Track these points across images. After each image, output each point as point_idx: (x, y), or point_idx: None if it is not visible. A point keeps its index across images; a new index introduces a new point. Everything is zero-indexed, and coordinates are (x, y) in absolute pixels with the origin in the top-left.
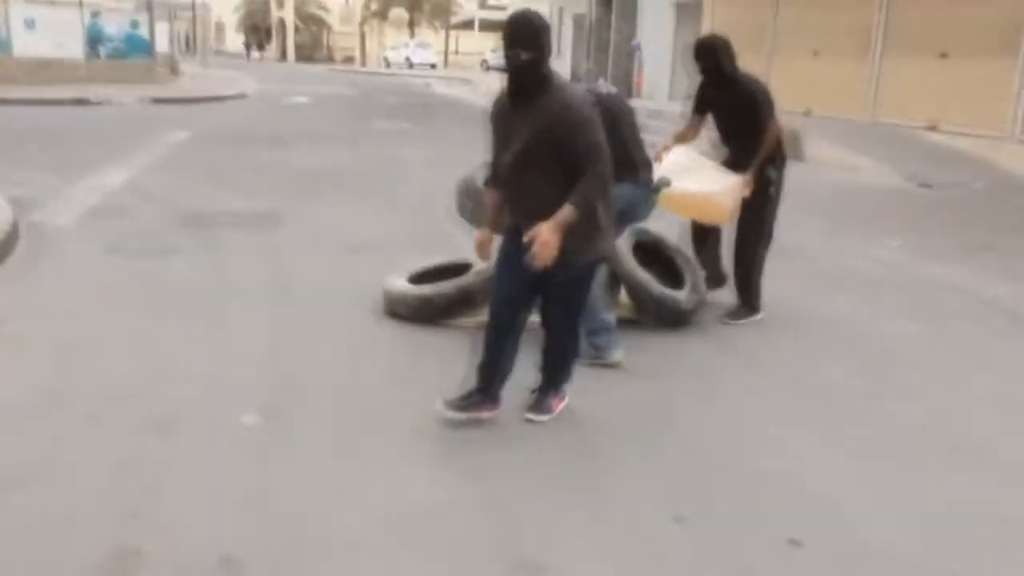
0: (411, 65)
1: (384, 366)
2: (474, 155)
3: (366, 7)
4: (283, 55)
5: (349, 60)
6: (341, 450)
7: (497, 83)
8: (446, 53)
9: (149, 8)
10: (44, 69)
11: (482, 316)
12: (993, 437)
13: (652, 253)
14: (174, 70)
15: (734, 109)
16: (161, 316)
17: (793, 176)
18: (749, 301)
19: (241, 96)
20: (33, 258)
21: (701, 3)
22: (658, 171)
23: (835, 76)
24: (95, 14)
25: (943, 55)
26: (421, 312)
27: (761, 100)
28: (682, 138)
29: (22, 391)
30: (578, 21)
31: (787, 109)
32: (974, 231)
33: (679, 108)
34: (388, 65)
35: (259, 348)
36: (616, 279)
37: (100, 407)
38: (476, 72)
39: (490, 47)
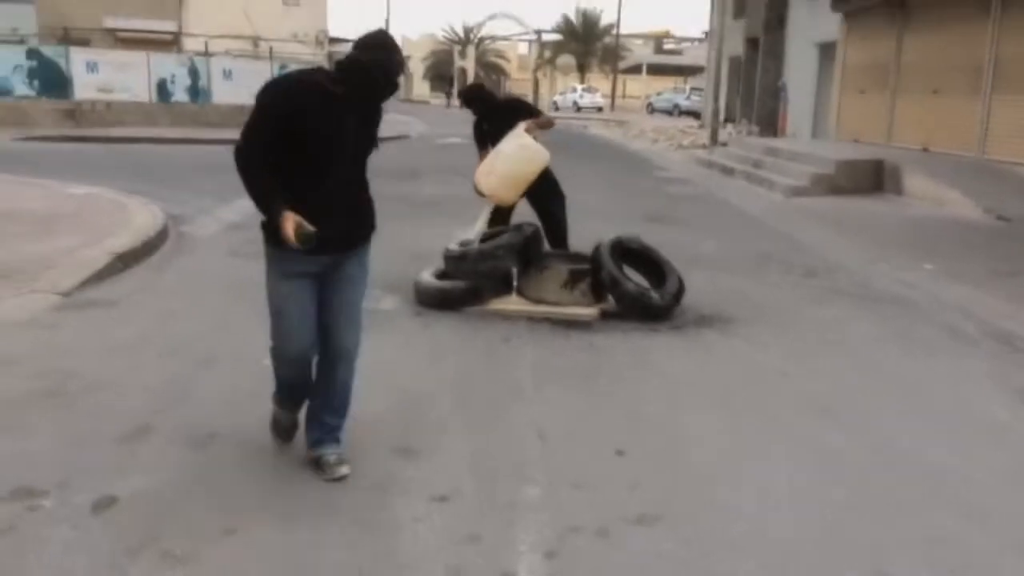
0: (578, 108)
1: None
2: (571, 188)
3: (540, 55)
4: (449, 101)
5: None
6: None
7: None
8: (613, 96)
9: (329, 61)
10: (239, 114)
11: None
12: (876, 415)
13: (642, 258)
14: None
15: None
16: (239, 300)
17: (881, 208)
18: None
19: (403, 137)
20: (171, 256)
21: (835, 44)
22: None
23: (950, 113)
24: (283, 66)
25: None
26: (439, 300)
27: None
28: None
29: (130, 337)
30: (734, 63)
31: (907, 145)
32: (1017, 260)
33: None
34: (557, 109)
35: None
36: (599, 277)
37: (178, 351)
38: (640, 115)
39: (655, 91)
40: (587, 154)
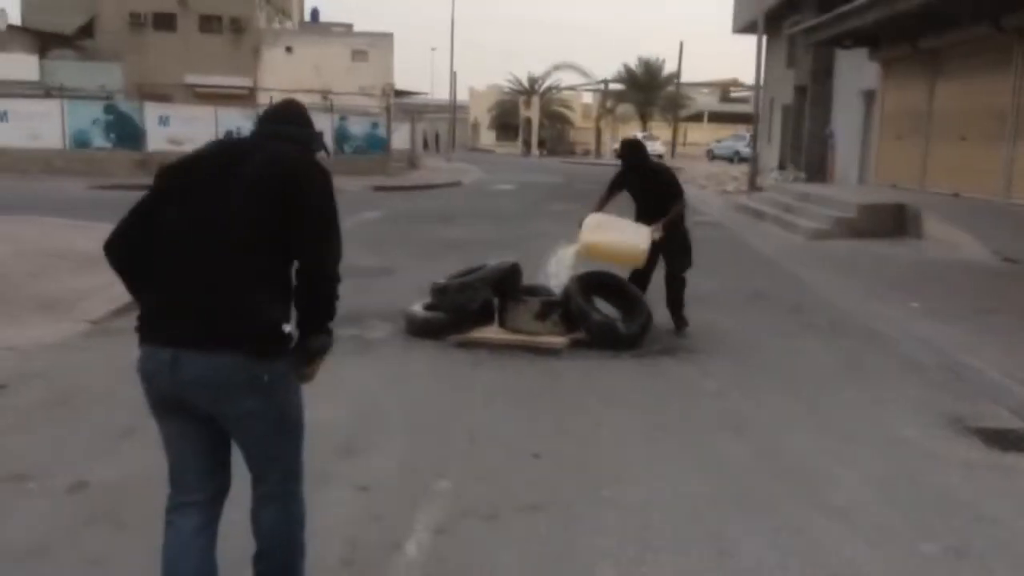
0: None
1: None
2: None
3: (602, 105)
4: (527, 150)
5: (587, 153)
6: None
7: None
8: (673, 144)
9: (388, 112)
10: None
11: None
12: (787, 433)
13: (616, 292)
14: (412, 164)
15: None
16: None
17: (895, 251)
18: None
19: (455, 184)
20: None
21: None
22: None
23: (977, 159)
24: (343, 118)
25: None
26: (423, 329)
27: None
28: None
29: None
30: (785, 111)
31: (939, 190)
32: (1005, 298)
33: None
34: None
35: None
36: (568, 310)
37: None
38: (699, 161)
39: (715, 139)
40: (629, 199)
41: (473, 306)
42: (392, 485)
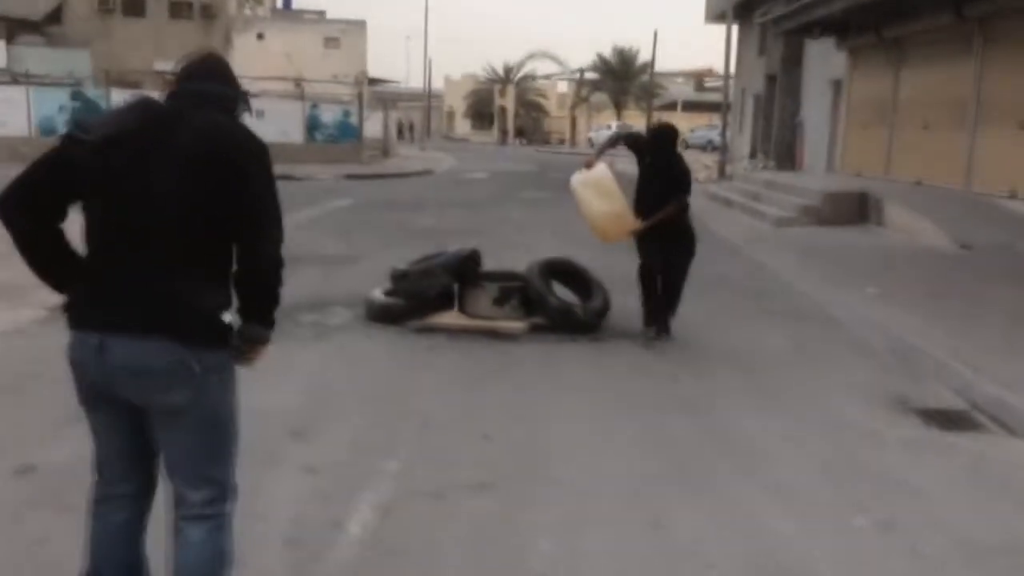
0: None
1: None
2: (571, 223)
3: (577, 94)
4: (504, 139)
5: (561, 142)
6: None
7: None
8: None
9: (360, 100)
10: (271, 151)
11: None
12: (735, 412)
13: (575, 277)
14: (386, 152)
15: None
16: None
17: (857, 238)
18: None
19: (427, 173)
20: None
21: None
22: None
23: (939, 147)
24: (314, 106)
25: (1023, 126)
26: (383, 314)
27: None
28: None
29: None
30: (756, 100)
31: (903, 178)
32: (958, 284)
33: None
34: (591, 145)
35: None
36: (527, 295)
37: None
38: None
39: (689, 128)
40: None
41: (432, 292)
42: (340, 466)
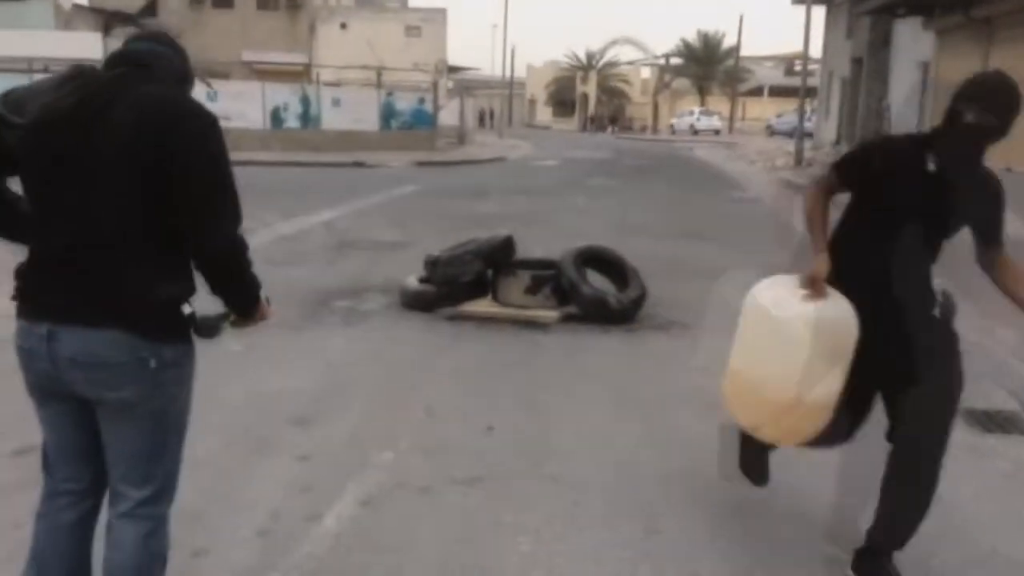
0: (695, 131)
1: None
2: (636, 207)
3: (659, 79)
4: (584, 126)
5: (643, 128)
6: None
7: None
8: (731, 119)
9: (435, 88)
10: (345, 139)
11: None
12: None
13: (613, 266)
14: (462, 140)
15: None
16: None
17: None
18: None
19: (500, 160)
20: None
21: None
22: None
23: None
24: (389, 93)
25: None
26: (415, 301)
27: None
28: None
29: None
30: (843, 84)
31: (991, 164)
32: None
33: None
34: (674, 132)
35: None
36: (559, 284)
37: None
38: (758, 137)
39: (776, 113)
40: (673, 175)
41: (464, 279)
42: (334, 456)
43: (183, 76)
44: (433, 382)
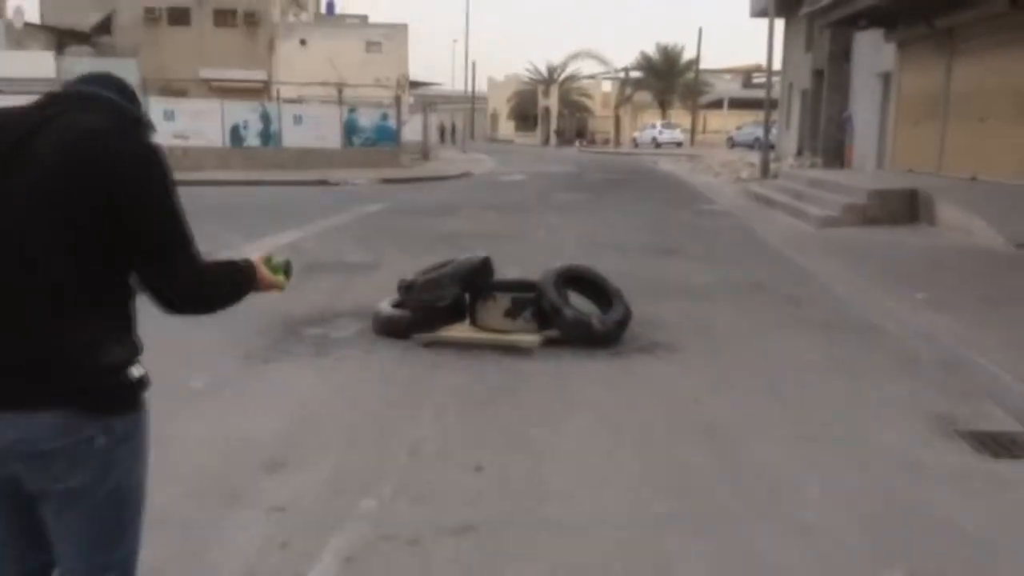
0: (658, 144)
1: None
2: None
3: (621, 92)
4: (545, 140)
5: (606, 142)
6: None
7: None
8: (693, 132)
9: (398, 103)
10: (308, 156)
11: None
12: (757, 438)
13: (593, 287)
14: (425, 155)
15: None
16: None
17: (906, 238)
18: None
19: (465, 175)
20: None
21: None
22: None
23: (997, 141)
24: (352, 110)
25: None
26: (389, 328)
27: None
28: None
29: None
30: (804, 95)
31: (957, 175)
32: (1015, 288)
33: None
34: (636, 145)
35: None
36: (540, 306)
37: None
38: (718, 149)
39: (736, 125)
40: (640, 188)
41: (442, 303)
42: (312, 506)
43: (131, 120)
44: (414, 418)
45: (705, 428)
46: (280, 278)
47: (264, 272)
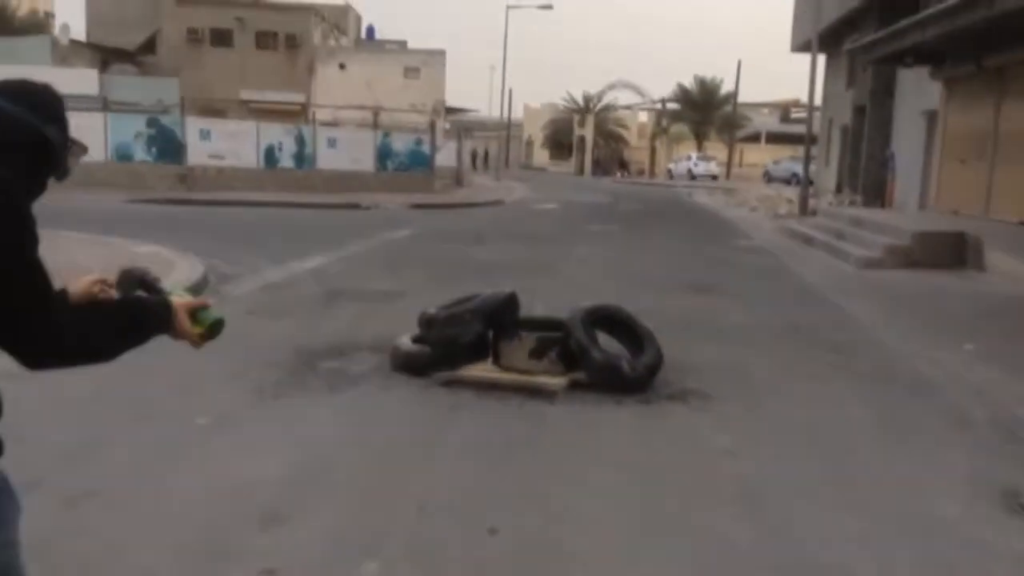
0: (693, 176)
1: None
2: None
3: (657, 123)
4: (580, 170)
5: (641, 173)
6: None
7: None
8: (729, 165)
9: (432, 129)
10: (341, 179)
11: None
12: (802, 507)
13: (619, 324)
14: (459, 181)
15: None
16: (214, 354)
17: (952, 284)
18: None
19: (497, 203)
20: None
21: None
22: None
23: None
24: (387, 134)
25: None
26: (408, 364)
27: None
28: None
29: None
30: (844, 132)
31: (1005, 218)
32: None
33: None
34: (671, 176)
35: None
36: (567, 347)
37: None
38: (755, 183)
39: (773, 159)
40: (675, 221)
41: (464, 340)
42: (306, 569)
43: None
44: (427, 468)
45: (743, 491)
46: (196, 331)
47: (182, 319)
